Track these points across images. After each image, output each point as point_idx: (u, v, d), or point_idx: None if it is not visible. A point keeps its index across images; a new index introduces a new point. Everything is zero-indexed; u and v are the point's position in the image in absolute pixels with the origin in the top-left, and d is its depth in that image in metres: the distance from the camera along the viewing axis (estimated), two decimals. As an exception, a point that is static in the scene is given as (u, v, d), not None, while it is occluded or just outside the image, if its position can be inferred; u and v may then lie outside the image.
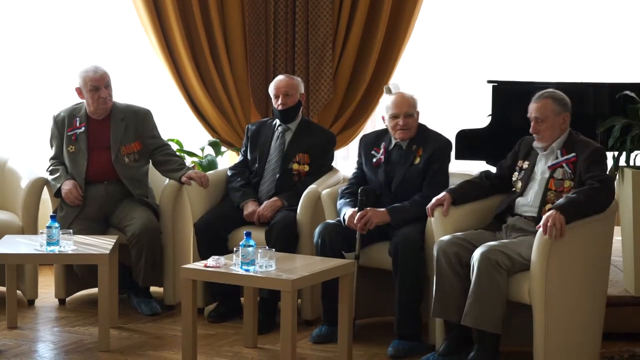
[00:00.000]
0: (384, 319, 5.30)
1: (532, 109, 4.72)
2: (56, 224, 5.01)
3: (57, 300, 5.85)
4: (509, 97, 5.93)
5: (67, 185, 5.62)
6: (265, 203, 5.54)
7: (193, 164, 6.39)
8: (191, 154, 6.63)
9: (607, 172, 4.71)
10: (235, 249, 4.64)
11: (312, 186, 5.46)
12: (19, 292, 5.62)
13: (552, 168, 4.68)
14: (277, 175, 5.60)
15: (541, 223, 4.41)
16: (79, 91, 5.70)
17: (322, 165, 5.67)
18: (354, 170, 5.35)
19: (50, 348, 5.05)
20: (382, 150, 5.21)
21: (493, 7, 7.27)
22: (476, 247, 4.57)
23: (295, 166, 5.61)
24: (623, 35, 7.23)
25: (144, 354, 4.92)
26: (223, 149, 6.74)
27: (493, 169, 5.18)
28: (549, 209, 4.48)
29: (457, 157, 5.87)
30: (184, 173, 5.68)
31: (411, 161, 5.13)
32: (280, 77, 5.72)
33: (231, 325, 5.39)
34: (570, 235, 4.42)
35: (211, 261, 4.66)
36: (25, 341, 5.12)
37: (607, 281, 4.81)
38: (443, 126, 6.31)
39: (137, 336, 5.23)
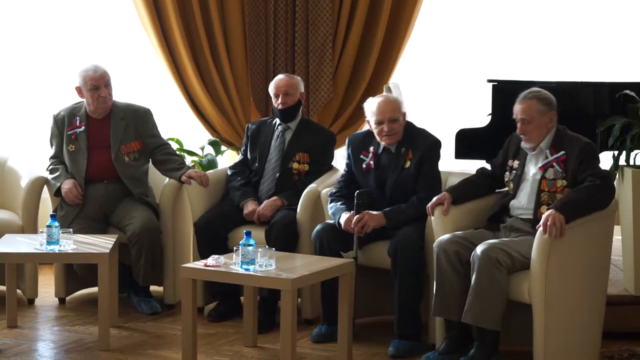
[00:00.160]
0: (384, 318, 5.31)
1: (517, 110, 4.69)
2: (56, 223, 5.01)
3: (57, 299, 5.85)
4: (509, 96, 5.86)
5: (67, 185, 5.62)
6: (265, 202, 5.54)
7: (193, 163, 6.39)
8: (191, 153, 6.64)
9: (601, 166, 4.68)
10: (235, 248, 4.64)
11: (312, 185, 5.46)
12: (19, 291, 5.62)
13: (543, 169, 4.66)
14: (277, 175, 5.60)
15: (541, 222, 4.42)
16: (78, 90, 5.70)
17: (322, 165, 5.67)
18: (343, 172, 5.32)
19: (50, 347, 5.05)
20: (371, 155, 5.17)
21: (493, 7, 7.28)
22: (476, 245, 4.57)
23: (295, 165, 5.61)
24: (623, 35, 7.23)
25: (144, 353, 4.92)
26: (223, 148, 6.74)
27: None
28: (548, 209, 4.48)
29: (456, 157, 5.87)
30: (184, 172, 5.68)
31: (402, 165, 5.09)
32: (280, 77, 5.72)
33: (231, 325, 5.39)
34: (570, 234, 4.42)
35: (211, 260, 4.66)
36: (25, 340, 5.12)
37: (607, 280, 4.81)
38: (443, 125, 6.33)
39: (137, 335, 5.24)
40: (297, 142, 5.63)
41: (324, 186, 5.44)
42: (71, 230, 5.12)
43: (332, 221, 5.15)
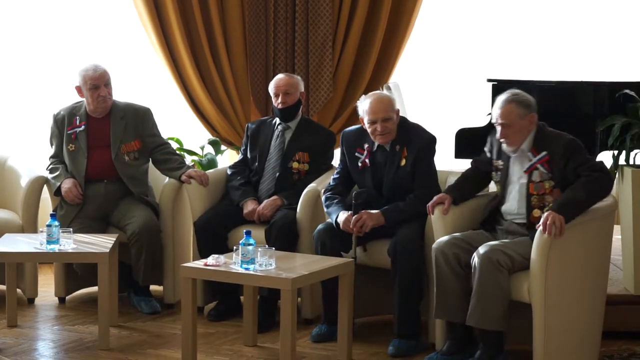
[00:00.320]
0: (384, 317, 5.31)
1: (497, 115, 4.64)
2: (56, 223, 5.01)
3: (57, 298, 5.85)
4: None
5: (66, 184, 5.62)
6: (265, 202, 5.54)
7: (193, 163, 6.39)
8: (191, 153, 6.64)
9: (589, 157, 4.63)
10: (235, 247, 4.65)
11: (312, 185, 5.46)
12: (19, 290, 5.62)
13: (528, 172, 4.63)
14: (277, 174, 5.60)
15: (541, 222, 4.42)
16: (78, 90, 5.70)
17: (322, 164, 5.67)
18: (338, 169, 5.30)
19: (50, 346, 5.05)
20: (365, 153, 5.16)
21: (493, 7, 7.28)
22: (474, 247, 4.58)
23: (295, 165, 5.61)
24: (623, 35, 7.23)
25: (143, 353, 4.92)
26: (223, 147, 6.74)
27: None
28: (547, 210, 4.48)
29: (456, 156, 5.87)
30: (183, 172, 5.69)
31: (397, 164, 5.08)
32: (280, 76, 5.72)
33: (231, 324, 5.39)
34: (569, 234, 4.42)
35: (211, 260, 4.66)
36: (25, 339, 5.12)
37: (606, 280, 4.81)
38: (443, 125, 6.33)
39: (137, 335, 5.24)
40: (297, 142, 5.63)
41: (323, 186, 5.44)
42: (71, 229, 5.12)
43: (329, 222, 5.15)
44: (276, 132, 5.68)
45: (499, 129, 4.64)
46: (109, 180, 5.70)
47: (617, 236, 5.13)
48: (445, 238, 4.68)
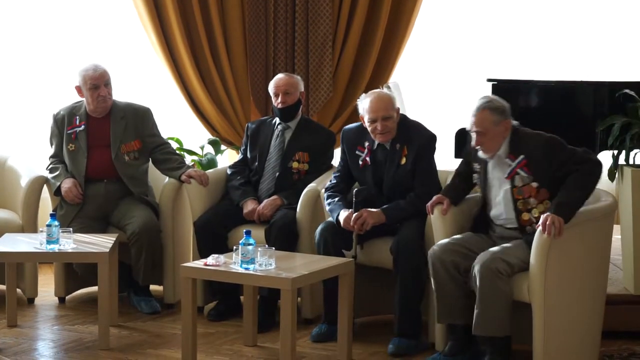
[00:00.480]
0: (384, 317, 5.31)
1: (471, 123, 4.61)
2: (56, 223, 5.01)
3: (57, 298, 5.85)
4: (509, 95, 5.90)
5: (66, 184, 5.63)
6: (265, 201, 5.54)
7: (193, 163, 6.39)
8: (191, 153, 6.64)
9: (572, 147, 4.57)
10: (235, 247, 4.65)
11: (312, 185, 5.46)
12: (18, 290, 5.62)
13: (510, 177, 4.61)
14: (277, 174, 5.60)
15: (540, 222, 4.41)
16: (78, 89, 5.70)
17: (322, 164, 5.67)
18: (338, 167, 5.30)
19: (50, 346, 5.05)
20: (366, 151, 5.16)
21: (493, 6, 7.28)
22: (472, 251, 4.58)
23: (295, 165, 5.61)
24: (623, 35, 7.23)
25: (143, 353, 4.92)
26: (223, 147, 6.74)
27: None
28: (535, 211, 4.48)
29: (456, 156, 5.86)
30: (183, 171, 5.69)
31: (397, 162, 5.08)
32: (280, 76, 5.72)
33: (231, 324, 5.39)
34: (569, 234, 4.41)
35: (211, 260, 4.66)
36: (25, 339, 5.12)
37: (606, 280, 4.81)
38: (443, 124, 6.32)
39: (137, 334, 5.24)
40: (296, 142, 5.63)
41: (323, 185, 5.44)
42: (71, 229, 5.12)
43: (331, 221, 5.15)
44: (276, 132, 5.69)
45: (473, 136, 4.62)
46: (109, 180, 5.70)
47: (617, 236, 5.13)
48: (441, 244, 4.67)
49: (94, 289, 5.45)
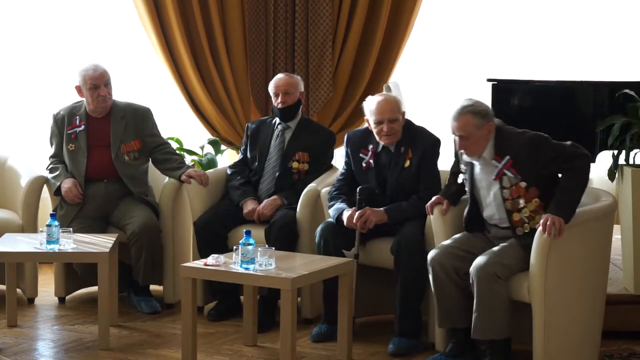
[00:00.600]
0: (384, 317, 5.31)
1: (454, 127, 4.58)
2: (56, 223, 5.01)
3: (57, 298, 5.85)
4: (509, 95, 5.93)
5: (66, 184, 5.63)
6: (265, 201, 5.54)
7: (193, 163, 6.39)
8: (191, 153, 6.64)
9: (557, 142, 4.54)
10: (235, 247, 4.65)
11: (312, 185, 5.46)
12: (18, 290, 5.62)
13: (498, 179, 4.58)
14: (277, 174, 5.61)
15: (540, 222, 4.41)
16: (78, 89, 5.70)
17: (322, 164, 5.68)
18: (342, 171, 5.31)
19: (50, 346, 5.05)
20: (370, 153, 5.17)
21: (493, 6, 7.27)
22: (471, 253, 4.58)
23: (295, 165, 5.62)
24: (623, 34, 7.23)
25: (143, 353, 4.92)
26: (223, 147, 6.75)
27: None
28: (525, 210, 4.49)
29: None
30: (183, 171, 5.69)
31: (402, 165, 5.09)
32: (280, 76, 5.72)
33: (231, 324, 5.39)
34: (569, 233, 4.41)
35: (211, 260, 4.66)
36: (25, 339, 5.12)
37: (606, 280, 4.81)
38: (443, 125, 6.31)
39: (137, 334, 5.24)
40: (296, 142, 5.63)
41: (323, 185, 5.45)
42: (71, 229, 5.12)
43: (331, 220, 5.15)
44: (276, 132, 5.69)
45: (457, 140, 4.60)
46: (108, 180, 5.70)
47: (617, 236, 5.13)
48: (441, 248, 4.66)
49: (94, 289, 5.45)
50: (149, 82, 7.02)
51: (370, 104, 5.10)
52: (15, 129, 7.11)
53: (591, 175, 6.88)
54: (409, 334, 4.92)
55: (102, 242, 5.16)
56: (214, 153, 6.67)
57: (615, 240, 5.09)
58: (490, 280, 4.43)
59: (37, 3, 7.02)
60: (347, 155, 5.28)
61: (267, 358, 4.87)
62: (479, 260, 4.49)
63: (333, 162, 5.79)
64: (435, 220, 4.84)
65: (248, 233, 4.55)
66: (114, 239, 5.26)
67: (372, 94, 6.63)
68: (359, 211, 4.98)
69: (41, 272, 6.05)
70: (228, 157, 6.87)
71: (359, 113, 6.67)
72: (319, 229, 5.12)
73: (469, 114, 4.55)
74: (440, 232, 4.80)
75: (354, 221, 4.98)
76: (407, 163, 5.08)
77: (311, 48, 6.57)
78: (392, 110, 5.04)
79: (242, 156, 5.82)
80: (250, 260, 4.53)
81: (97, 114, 5.72)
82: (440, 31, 7.25)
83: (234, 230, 5.48)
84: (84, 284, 5.89)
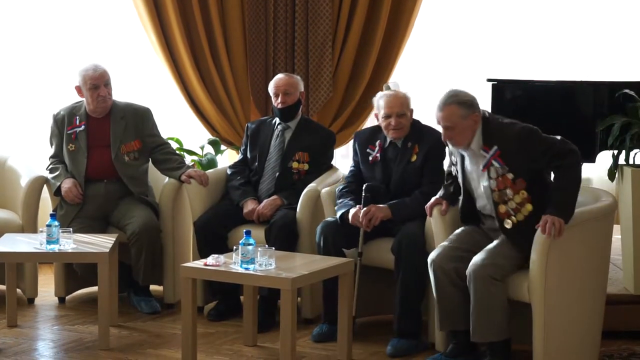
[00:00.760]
0: (384, 317, 5.31)
1: (439, 117, 4.56)
2: (56, 223, 5.01)
3: (57, 298, 5.85)
4: (509, 95, 5.93)
5: (66, 184, 5.63)
6: (265, 201, 5.54)
7: (193, 163, 6.39)
8: (191, 153, 6.64)
9: (548, 136, 4.51)
10: (235, 247, 4.65)
11: (312, 185, 5.46)
12: (18, 290, 5.62)
13: (485, 169, 4.56)
14: (277, 174, 5.61)
15: (540, 223, 4.40)
16: (78, 89, 5.71)
17: (322, 164, 5.68)
18: (351, 168, 5.35)
19: (50, 346, 5.05)
20: (377, 148, 5.21)
21: (493, 6, 7.27)
22: (470, 251, 4.57)
23: (294, 165, 5.62)
24: (623, 34, 7.23)
25: (143, 353, 4.92)
26: (223, 147, 6.75)
27: None
28: (510, 203, 4.47)
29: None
30: (183, 172, 5.69)
31: (408, 159, 5.13)
32: (279, 76, 5.72)
33: (231, 324, 5.40)
34: (569, 233, 4.41)
35: (211, 260, 4.66)
36: (25, 339, 5.12)
37: (606, 280, 4.80)
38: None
39: (137, 334, 5.24)
40: (296, 142, 5.64)
41: (323, 185, 5.45)
42: (71, 229, 5.12)
43: (333, 218, 5.16)
44: (276, 132, 5.69)
45: (442, 131, 4.58)
46: (108, 180, 5.70)
47: (617, 236, 5.13)
48: (441, 251, 4.64)
49: (94, 289, 5.45)
50: (149, 82, 7.02)
51: (380, 99, 5.17)
52: (15, 129, 7.11)
53: (591, 175, 6.95)
54: (408, 334, 4.91)
55: (102, 242, 5.16)
56: (214, 153, 6.67)
57: (615, 240, 5.09)
58: (486, 282, 4.43)
59: (37, 3, 7.02)
60: (355, 152, 5.33)
61: (267, 358, 4.87)
62: (475, 261, 4.48)
63: (333, 162, 5.79)
64: (435, 220, 4.84)
65: (248, 233, 4.55)
66: (114, 239, 5.26)
67: (372, 94, 6.65)
68: (364, 209, 4.98)
69: (41, 272, 6.05)
70: (228, 157, 6.87)
71: (358, 113, 6.71)
72: (319, 227, 5.14)
73: (454, 104, 4.53)
74: (440, 232, 4.80)
75: (360, 220, 4.99)
76: (414, 158, 5.13)
77: (311, 48, 6.57)
78: (400, 105, 5.11)
79: (242, 156, 5.82)
80: (250, 260, 4.53)
81: (97, 114, 5.72)
82: (440, 31, 7.25)
83: (234, 230, 5.49)
84: (84, 284, 5.89)
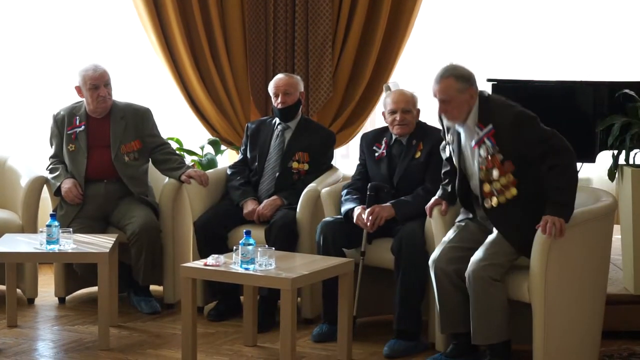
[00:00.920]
0: (384, 317, 5.31)
1: (436, 90, 4.52)
2: (56, 223, 5.01)
3: (57, 298, 5.85)
4: (509, 95, 5.90)
5: (66, 184, 5.63)
6: (265, 202, 5.54)
7: (193, 163, 6.39)
8: (191, 153, 6.64)
9: (543, 128, 4.47)
10: (235, 247, 4.65)
11: (312, 185, 5.47)
12: (18, 290, 5.62)
13: (476, 146, 4.51)
14: (277, 174, 5.61)
15: (540, 224, 4.39)
16: (78, 90, 5.71)
17: (322, 164, 5.68)
18: (357, 168, 5.37)
19: (50, 347, 5.05)
20: (383, 145, 5.26)
21: (492, 6, 7.28)
22: (469, 249, 4.55)
23: (294, 165, 5.62)
24: (623, 34, 7.23)
25: (143, 353, 4.92)
26: (223, 147, 6.75)
27: None
28: (496, 183, 4.44)
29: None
30: (183, 172, 5.69)
31: (412, 155, 5.17)
32: (279, 76, 5.72)
33: (231, 324, 5.40)
34: (569, 233, 4.41)
35: (211, 260, 4.66)
36: (25, 340, 5.12)
37: (606, 280, 4.80)
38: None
39: (137, 335, 5.24)
40: (296, 142, 5.64)
41: (323, 185, 5.45)
42: (71, 229, 5.12)
43: (332, 218, 5.16)
44: (276, 132, 5.69)
45: (439, 104, 4.53)
46: (108, 181, 5.70)
47: (617, 236, 5.13)
48: (442, 251, 4.62)
49: (94, 289, 5.45)
50: (149, 82, 7.02)
51: (387, 96, 5.27)
52: (15, 129, 7.11)
53: (591, 175, 6.95)
54: (407, 334, 4.91)
55: (102, 242, 5.16)
56: (214, 153, 6.67)
57: (615, 240, 5.09)
58: (485, 284, 4.42)
59: (37, 3, 7.02)
60: (361, 151, 5.38)
61: (267, 358, 4.87)
62: (473, 262, 4.46)
63: (333, 162, 5.79)
64: (435, 220, 4.84)
65: (248, 233, 4.55)
66: (114, 239, 5.26)
67: (372, 94, 6.71)
68: (369, 209, 4.99)
69: (41, 272, 6.05)
70: (228, 157, 6.87)
71: (358, 113, 6.71)
72: (319, 226, 5.15)
73: (452, 77, 4.51)
74: (441, 232, 4.80)
75: (365, 221, 4.99)
76: (418, 154, 5.17)
77: (311, 48, 6.57)
78: (406, 101, 5.18)
79: (242, 156, 5.83)
80: (250, 260, 4.53)
81: (97, 115, 5.72)
82: (440, 31, 7.25)
83: (234, 230, 5.49)
84: (84, 284, 5.89)
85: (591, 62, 7.13)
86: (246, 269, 4.54)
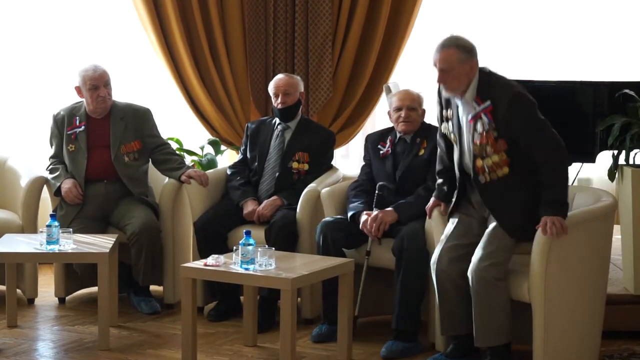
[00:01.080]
0: (384, 317, 5.30)
1: (436, 59, 4.47)
2: (56, 223, 5.01)
3: (57, 299, 5.85)
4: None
5: (66, 184, 5.63)
6: (264, 202, 5.54)
7: (193, 163, 6.39)
8: (191, 153, 6.64)
9: (537, 117, 4.42)
10: (235, 247, 4.65)
11: (312, 185, 5.47)
12: (18, 290, 5.62)
13: (472, 121, 4.47)
14: (277, 174, 5.61)
15: (540, 225, 4.38)
16: (78, 90, 5.71)
17: (322, 164, 5.68)
18: (362, 168, 5.39)
19: (50, 347, 5.05)
20: (388, 144, 5.29)
21: (492, 6, 7.27)
22: (469, 245, 4.54)
23: (294, 165, 5.62)
24: (622, 34, 7.23)
25: (143, 353, 4.92)
26: (223, 147, 6.75)
27: None
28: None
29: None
30: (183, 172, 5.69)
31: (416, 152, 5.20)
32: (279, 76, 5.72)
33: (231, 324, 5.40)
34: (569, 234, 4.40)
35: (211, 260, 4.66)
36: (25, 340, 5.12)
37: (606, 280, 4.80)
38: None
39: (137, 335, 5.24)
40: (296, 142, 5.64)
41: (323, 185, 5.45)
42: (71, 229, 5.12)
43: (332, 217, 5.17)
44: (276, 132, 5.69)
45: (438, 73, 4.48)
46: (108, 181, 5.71)
47: (617, 236, 5.12)
48: (443, 252, 4.60)
49: (94, 289, 5.45)
50: (149, 82, 7.02)
51: (393, 95, 5.31)
52: (15, 129, 7.11)
53: (591, 175, 6.95)
54: (405, 334, 4.90)
55: (102, 243, 5.16)
56: (213, 153, 6.67)
57: (615, 240, 5.08)
58: (487, 285, 4.41)
59: (37, 3, 7.02)
60: (366, 151, 5.40)
61: (267, 358, 4.87)
62: (474, 262, 4.44)
63: (333, 162, 5.79)
64: (435, 221, 4.84)
65: (248, 233, 4.56)
66: (114, 239, 5.26)
67: (372, 95, 6.71)
68: (372, 216, 5.00)
69: (41, 272, 6.05)
70: (228, 158, 6.87)
71: (358, 113, 6.71)
72: (318, 226, 5.15)
73: (454, 47, 4.46)
74: (441, 233, 4.79)
75: (368, 227, 5.01)
76: (422, 152, 5.20)
77: (311, 48, 6.57)
78: (412, 99, 5.22)
79: (242, 156, 5.83)
80: (250, 260, 4.53)
81: (97, 115, 5.72)
82: (440, 31, 7.24)
83: (234, 231, 5.49)
84: (84, 284, 5.89)
85: (591, 62, 7.13)
86: (246, 269, 4.54)
